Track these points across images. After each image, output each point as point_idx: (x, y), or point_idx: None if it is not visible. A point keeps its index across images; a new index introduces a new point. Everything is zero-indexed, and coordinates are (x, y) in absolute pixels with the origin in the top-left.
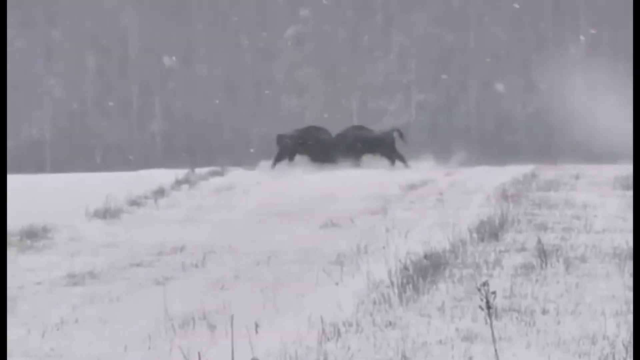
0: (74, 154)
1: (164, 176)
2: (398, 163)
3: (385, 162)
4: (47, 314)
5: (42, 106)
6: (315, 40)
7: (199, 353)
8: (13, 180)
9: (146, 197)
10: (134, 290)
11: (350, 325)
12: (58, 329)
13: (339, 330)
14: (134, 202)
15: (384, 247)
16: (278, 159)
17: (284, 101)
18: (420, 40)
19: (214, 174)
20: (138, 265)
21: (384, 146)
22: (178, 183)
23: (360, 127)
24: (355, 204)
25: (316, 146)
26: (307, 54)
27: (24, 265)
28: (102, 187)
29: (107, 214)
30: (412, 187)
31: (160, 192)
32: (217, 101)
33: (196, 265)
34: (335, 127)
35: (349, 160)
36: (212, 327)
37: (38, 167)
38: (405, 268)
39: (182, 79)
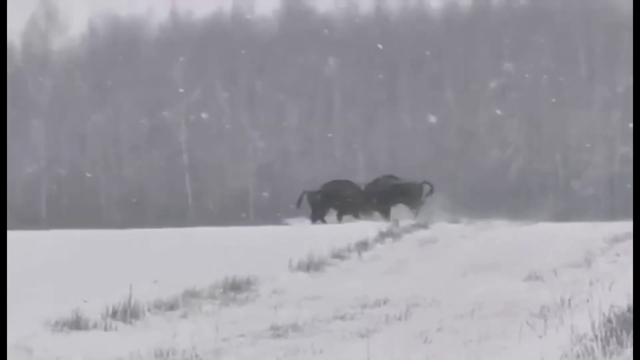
0: (277, 204)
1: (368, 229)
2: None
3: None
4: None
5: (246, 157)
6: (519, 92)
7: None
8: (216, 233)
9: (349, 250)
10: (337, 342)
11: None
12: None
13: None
14: (338, 255)
15: (587, 300)
16: (314, 218)
17: (487, 153)
18: (623, 93)
19: (418, 226)
20: (341, 318)
21: (411, 196)
22: (382, 236)
23: (390, 177)
24: (558, 256)
25: (343, 200)
26: (510, 106)
27: (228, 318)
28: (306, 239)
29: (310, 266)
30: (616, 239)
31: (363, 245)
32: (421, 152)
33: (399, 318)
34: (538, 178)
35: (379, 212)
36: None
37: (242, 219)
38: (609, 321)
39: (385, 130)
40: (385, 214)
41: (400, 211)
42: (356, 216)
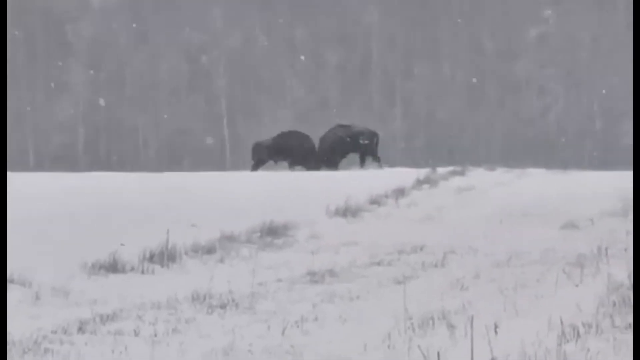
0: None
1: (405, 175)
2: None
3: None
4: (288, 311)
5: (285, 104)
6: (558, 41)
7: (438, 353)
8: (254, 178)
9: (387, 196)
10: (374, 289)
11: (590, 326)
12: (298, 327)
13: (578, 331)
14: (375, 201)
15: (625, 250)
16: (255, 168)
17: (525, 101)
18: None
19: (455, 173)
20: (378, 264)
21: (366, 145)
22: (419, 182)
23: (343, 126)
24: (595, 205)
25: (293, 152)
26: (550, 54)
27: (265, 262)
28: (343, 185)
29: (347, 212)
30: None
31: (400, 191)
32: (459, 101)
33: (436, 265)
34: (576, 127)
35: (331, 163)
36: (451, 327)
37: (280, 164)
38: None
39: (424, 79)
40: (335, 164)
41: (353, 160)
42: (307, 167)
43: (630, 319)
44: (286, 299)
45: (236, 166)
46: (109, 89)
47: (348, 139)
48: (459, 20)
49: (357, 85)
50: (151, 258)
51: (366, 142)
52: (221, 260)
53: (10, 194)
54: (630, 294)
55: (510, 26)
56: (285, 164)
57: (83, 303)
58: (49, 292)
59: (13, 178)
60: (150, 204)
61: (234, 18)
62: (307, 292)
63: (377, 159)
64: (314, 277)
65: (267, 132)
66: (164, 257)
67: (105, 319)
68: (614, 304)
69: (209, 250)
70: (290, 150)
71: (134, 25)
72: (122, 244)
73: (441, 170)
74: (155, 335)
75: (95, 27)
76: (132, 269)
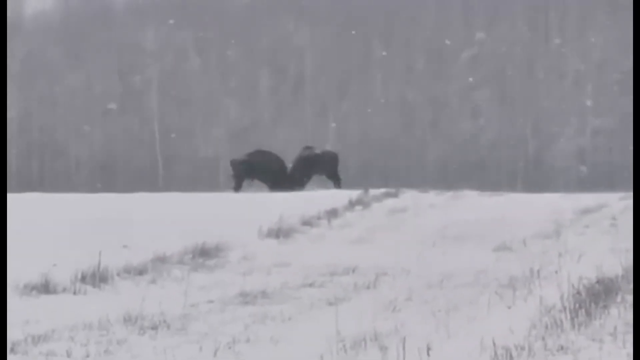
0: None
1: (338, 197)
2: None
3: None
4: (219, 333)
5: (219, 124)
6: (491, 63)
7: None
8: (189, 199)
9: (319, 218)
10: (306, 310)
11: (522, 349)
12: (230, 348)
13: (511, 353)
14: (307, 222)
15: (556, 272)
16: (237, 186)
17: (458, 123)
18: (596, 65)
19: (388, 195)
20: (310, 285)
21: (328, 166)
22: (351, 204)
23: (308, 148)
24: (527, 227)
25: (270, 172)
26: (483, 76)
27: (197, 283)
28: (277, 206)
29: (280, 233)
30: (585, 211)
31: (333, 213)
32: (392, 123)
33: (368, 287)
34: (509, 149)
35: (298, 183)
36: (383, 349)
37: (213, 185)
38: (578, 293)
39: (357, 100)
40: (304, 184)
41: (319, 181)
42: (275, 189)
43: (562, 341)
44: (218, 320)
45: (169, 186)
46: (41, 109)
47: (317, 161)
48: (387, 49)
49: (290, 105)
50: (83, 279)
51: (331, 163)
52: (153, 281)
53: None
54: (562, 316)
55: (444, 48)
56: (257, 183)
57: (14, 324)
58: None
59: None
60: (83, 224)
61: (166, 39)
62: (239, 313)
63: (338, 180)
64: (246, 298)
65: (201, 152)
66: (96, 278)
67: (37, 339)
68: (546, 326)
69: (141, 271)
70: (267, 170)
71: (67, 45)
72: (54, 265)
73: (374, 191)
74: (87, 356)
75: (27, 47)
76: (64, 289)
